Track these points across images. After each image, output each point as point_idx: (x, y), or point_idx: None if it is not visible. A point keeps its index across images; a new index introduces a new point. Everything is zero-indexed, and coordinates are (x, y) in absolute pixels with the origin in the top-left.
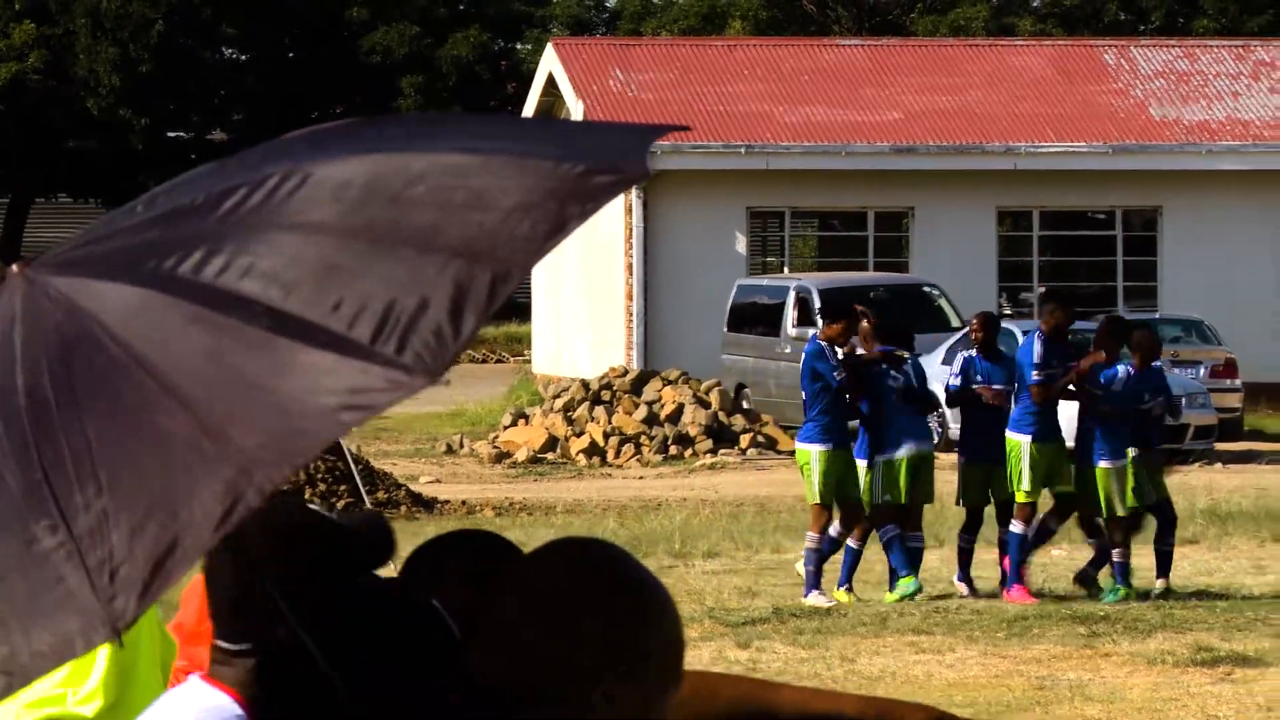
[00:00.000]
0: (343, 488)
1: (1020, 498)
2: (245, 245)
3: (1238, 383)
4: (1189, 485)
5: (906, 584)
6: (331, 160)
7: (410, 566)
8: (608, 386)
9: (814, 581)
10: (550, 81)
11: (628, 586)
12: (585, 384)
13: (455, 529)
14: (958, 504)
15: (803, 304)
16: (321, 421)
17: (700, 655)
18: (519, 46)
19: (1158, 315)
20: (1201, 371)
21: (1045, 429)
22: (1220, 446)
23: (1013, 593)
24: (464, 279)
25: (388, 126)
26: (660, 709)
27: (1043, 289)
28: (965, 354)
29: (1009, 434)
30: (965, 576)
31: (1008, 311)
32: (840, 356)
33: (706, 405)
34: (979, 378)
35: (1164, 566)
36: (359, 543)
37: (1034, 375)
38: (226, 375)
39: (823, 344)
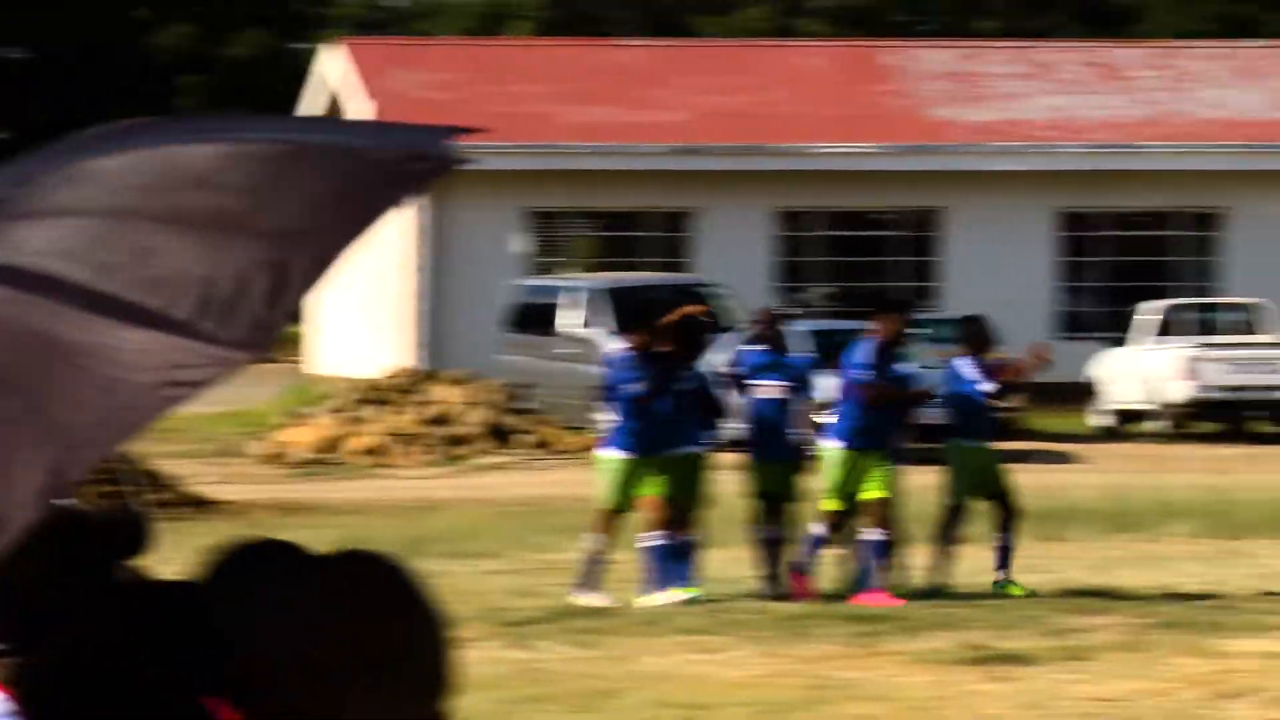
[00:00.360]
0: (113, 487)
1: (827, 505)
2: (58, 230)
3: None
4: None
5: (682, 592)
6: (141, 148)
7: (205, 570)
8: (387, 386)
9: (590, 583)
10: (334, 81)
11: (389, 594)
12: (364, 384)
13: (233, 533)
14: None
15: (583, 305)
16: (145, 399)
17: (475, 656)
18: (303, 46)
19: (941, 316)
20: None
21: (861, 438)
22: (999, 446)
23: (866, 597)
24: (281, 260)
25: (198, 120)
26: (420, 715)
27: (826, 290)
28: (743, 347)
29: (825, 442)
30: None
31: (789, 314)
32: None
33: (487, 406)
34: (758, 373)
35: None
36: (108, 535)
37: (860, 374)
38: (45, 354)
39: (628, 353)
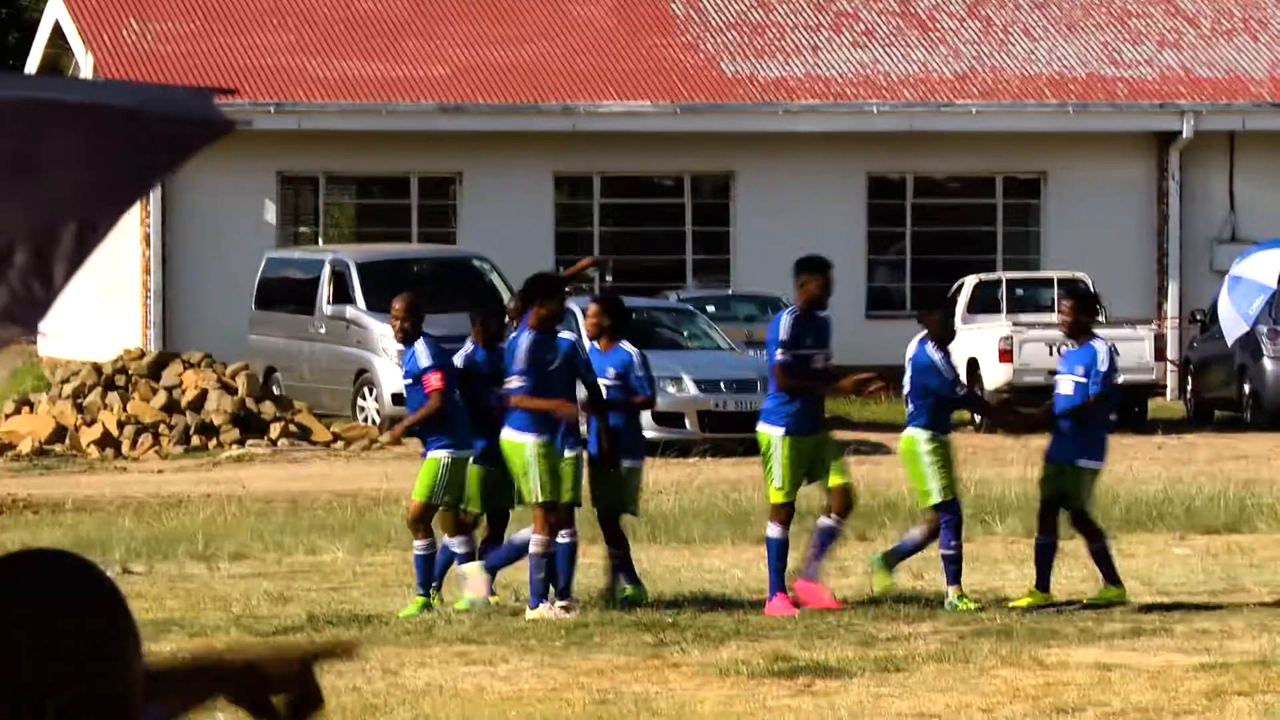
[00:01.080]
0: None
1: (775, 497)
2: None
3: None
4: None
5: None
6: None
7: None
8: (122, 371)
9: (541, 590)
10: (57, 32)
11: (82, 605)
12: (97, 368)
13: None
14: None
15: (339, 278)
16: None
17: None
18: None
19: (730, 292)
20: None
21: (800, 420)
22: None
23: (774, 603)
24: (50, 229)
25: None
26: None
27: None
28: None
29: (760, 427)
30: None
31: (568, 289)
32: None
33: (233, 391)
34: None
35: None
36: None
37: (779, 355)
38: None
39: (535, 333)
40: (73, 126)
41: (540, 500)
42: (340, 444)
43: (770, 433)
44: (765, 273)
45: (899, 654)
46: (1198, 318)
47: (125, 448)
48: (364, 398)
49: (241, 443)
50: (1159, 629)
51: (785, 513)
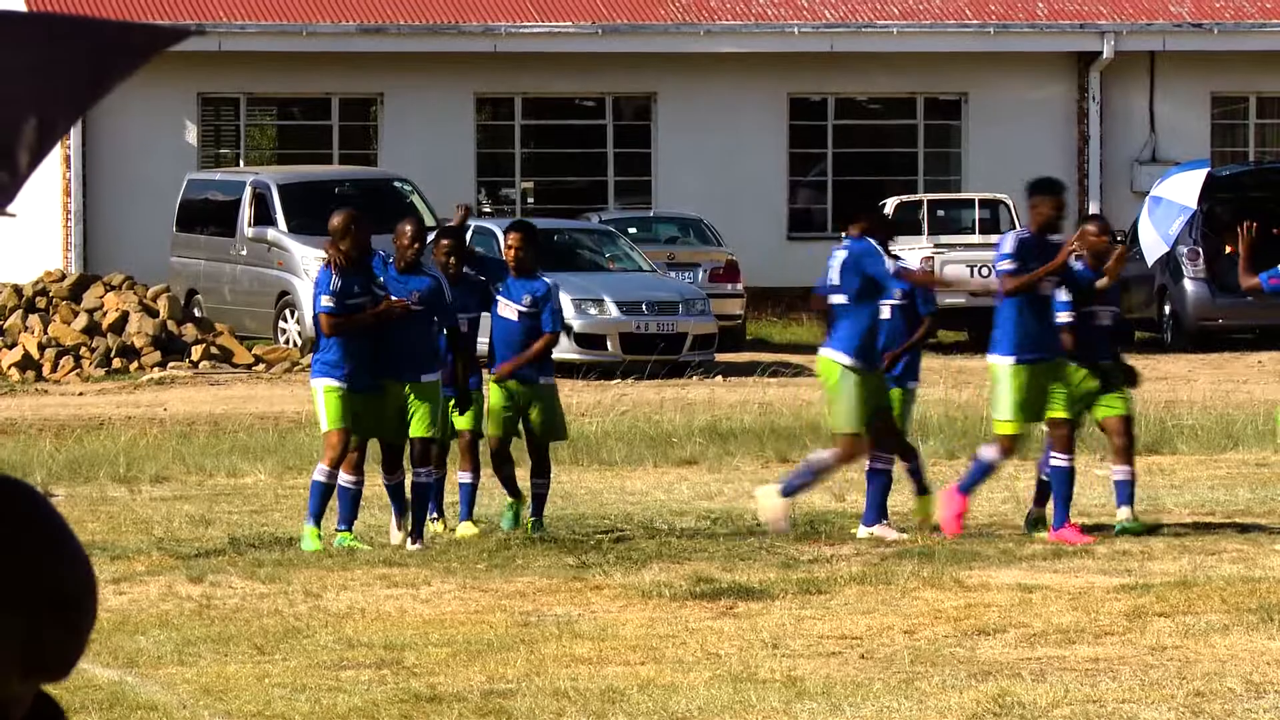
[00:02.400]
0: None
1: (1002, 429)
2: None
3: (739, 287)
4: (687, 400)
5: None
6: None
7: None
8: (43, 293)
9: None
10: None
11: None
12: (17, 290)
13: None
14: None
15: (260, 200)
16: None
17: (148, 591)
18: None
19: (651, 213)
20: (700, 275)
21: (1028, 346)
22: (720, 357)
23: (1064, 532)
24: (10, 125)
25: None
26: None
27: (528, 184)
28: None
29: (989, 356)
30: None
31: (488, 209)
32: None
33: (154, 313)
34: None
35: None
36: None
37: (1005, 264)
38: None
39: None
40: (25, 31)
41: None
42: (262, 366)
43: (998, 362)
44: (686, 194)
45: (821, 576)
46: (1118, 238)
47: (46, 370)
48: (285, 320)
49: (163, 365)
50: (1080, 551)
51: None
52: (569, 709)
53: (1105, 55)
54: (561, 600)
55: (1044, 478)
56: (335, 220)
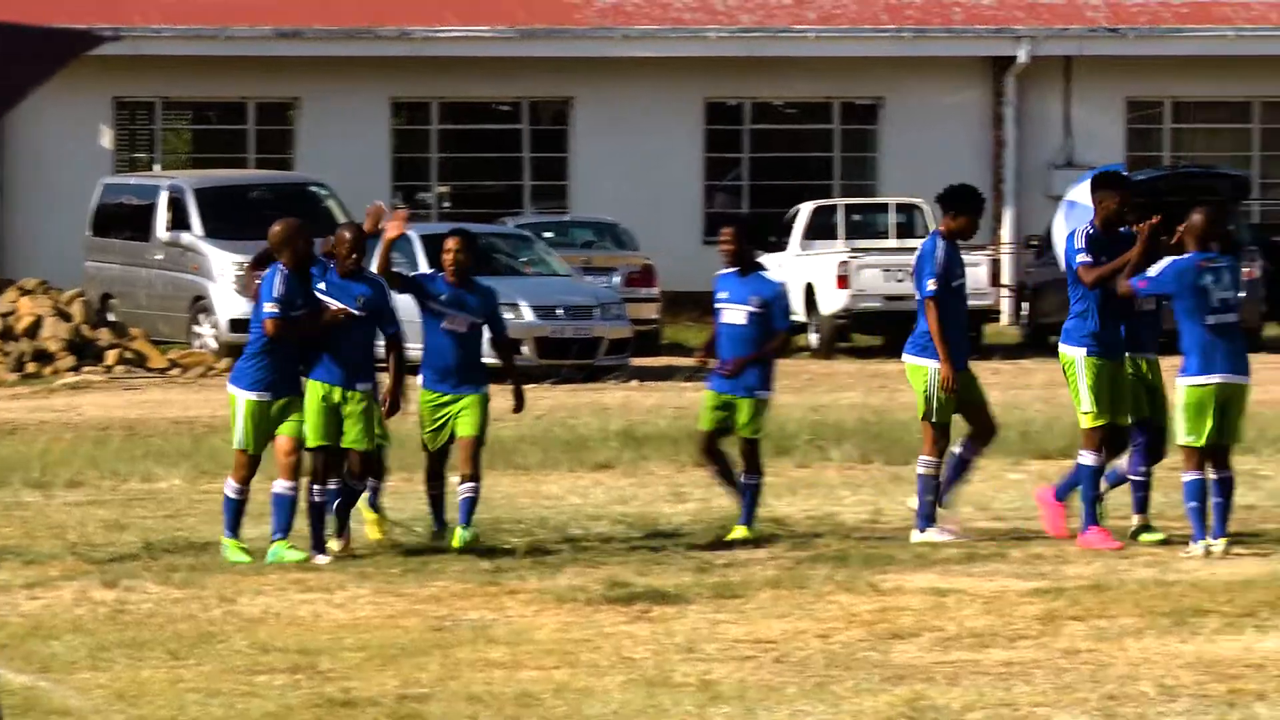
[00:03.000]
0: None
1: (1086, 421)
2: None
3: (655, 291)
4: (602, 404)
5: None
6: None
7: None
8: None
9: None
10: None
11: None
12: None
13: None
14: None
15: (175, 205)
16: None
17: (62, 596)
18: None
19: (568, 217)
20: (616, 279)
21: (1100, 343)
22: (636, 361)
23: (1089, 535)
24: None
25: None
26: None
27: (444, 188)
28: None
29: (1061, 347)
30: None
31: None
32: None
33: (68, 318)
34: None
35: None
36: None
37: (1079, 259)
38: None
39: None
40: None
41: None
42: (176, 371)
43: (1072, 354)
44: (603, 199)
45: (735, 580)
46: (1033, 243)
47: None
48: (200, 324)
49: (77, 370)
50: (994, 554)
51: (1097, 437)
52: (483, 713)
53: (1021, 60)
54: (476, 605)
55: (1134, 477)
56: (275, 229)
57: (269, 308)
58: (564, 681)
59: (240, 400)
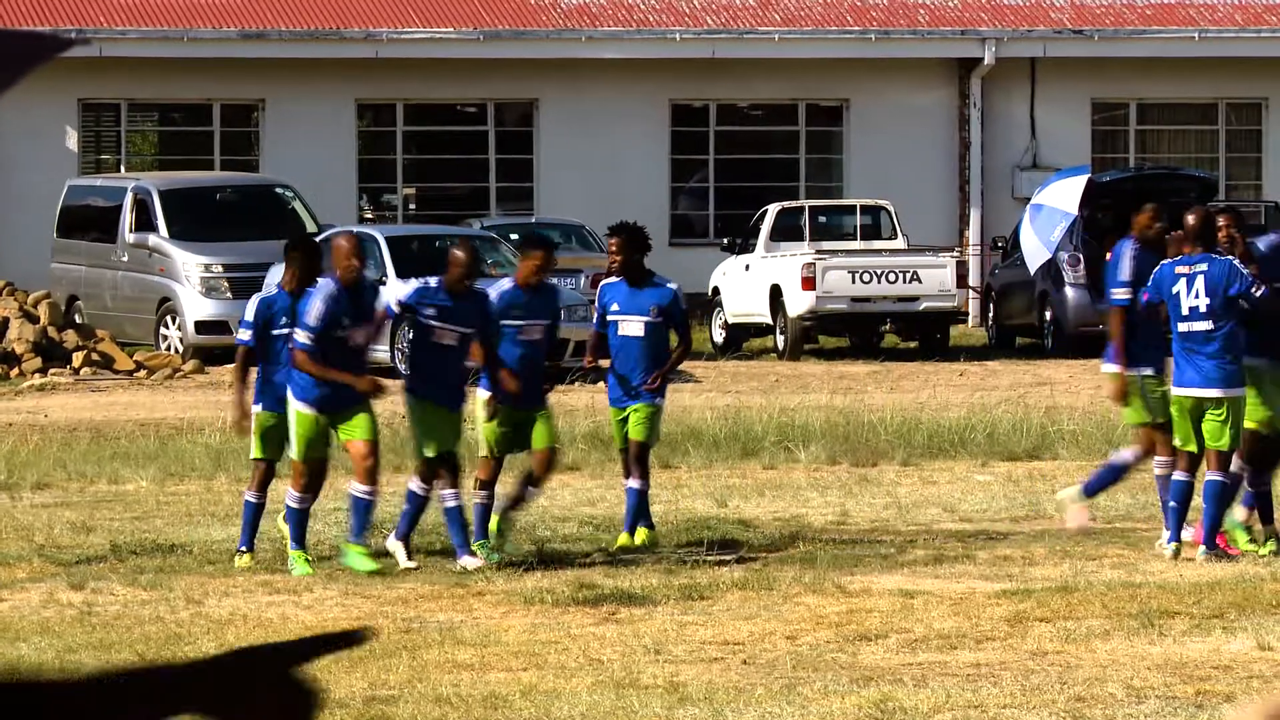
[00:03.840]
0: None
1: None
2: None
3: None
4: (569, 406)
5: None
6: None
7: None
8: None
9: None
10: None
11: None
12: None
13: None
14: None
15: (141, 206)
16: None
17: (30, 598)
18: None
19: (534, 219)
20: (582, 281)
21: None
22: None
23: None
24: None
25: None
26: None
27: (410, 190)
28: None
29: (1104, 366)
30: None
31: (369, 215)
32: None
33: (35, 320)
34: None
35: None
36: None
37: (1115, 293)
38: None
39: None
40: None
41: None
42: (143, 373)
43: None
44: (568, 200)
45: (703, 582)
46: (999, 244)
47: None
48: (167, 326)
49: (44, 371)
50: (961, 556)
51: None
52: (451, 715)
53: (986, 61)
54: (444, 606)
55: (1253, 489)
56: (341, 243)
57: (302, 338)
58: (532, 683)
59: (293, 411)
